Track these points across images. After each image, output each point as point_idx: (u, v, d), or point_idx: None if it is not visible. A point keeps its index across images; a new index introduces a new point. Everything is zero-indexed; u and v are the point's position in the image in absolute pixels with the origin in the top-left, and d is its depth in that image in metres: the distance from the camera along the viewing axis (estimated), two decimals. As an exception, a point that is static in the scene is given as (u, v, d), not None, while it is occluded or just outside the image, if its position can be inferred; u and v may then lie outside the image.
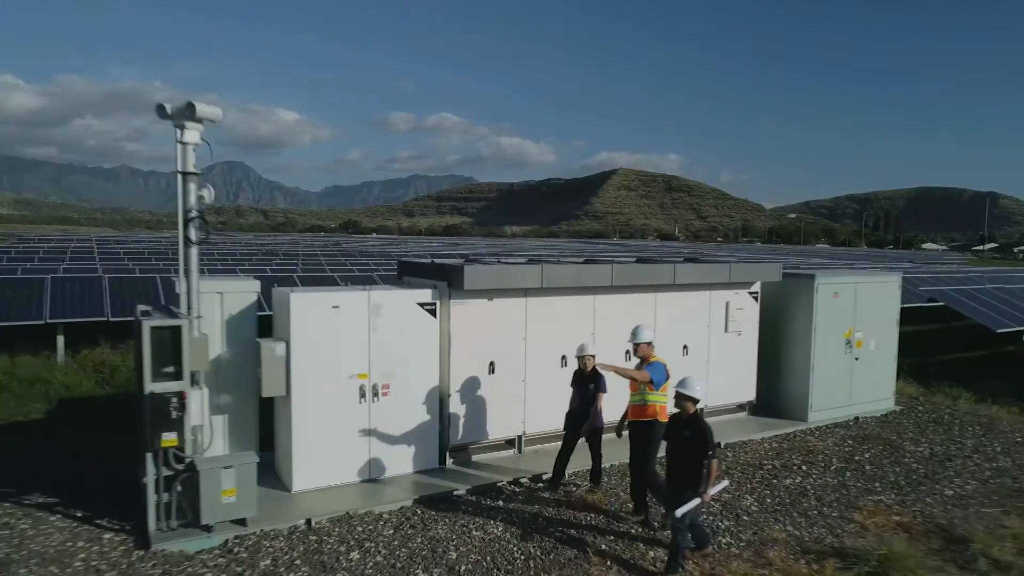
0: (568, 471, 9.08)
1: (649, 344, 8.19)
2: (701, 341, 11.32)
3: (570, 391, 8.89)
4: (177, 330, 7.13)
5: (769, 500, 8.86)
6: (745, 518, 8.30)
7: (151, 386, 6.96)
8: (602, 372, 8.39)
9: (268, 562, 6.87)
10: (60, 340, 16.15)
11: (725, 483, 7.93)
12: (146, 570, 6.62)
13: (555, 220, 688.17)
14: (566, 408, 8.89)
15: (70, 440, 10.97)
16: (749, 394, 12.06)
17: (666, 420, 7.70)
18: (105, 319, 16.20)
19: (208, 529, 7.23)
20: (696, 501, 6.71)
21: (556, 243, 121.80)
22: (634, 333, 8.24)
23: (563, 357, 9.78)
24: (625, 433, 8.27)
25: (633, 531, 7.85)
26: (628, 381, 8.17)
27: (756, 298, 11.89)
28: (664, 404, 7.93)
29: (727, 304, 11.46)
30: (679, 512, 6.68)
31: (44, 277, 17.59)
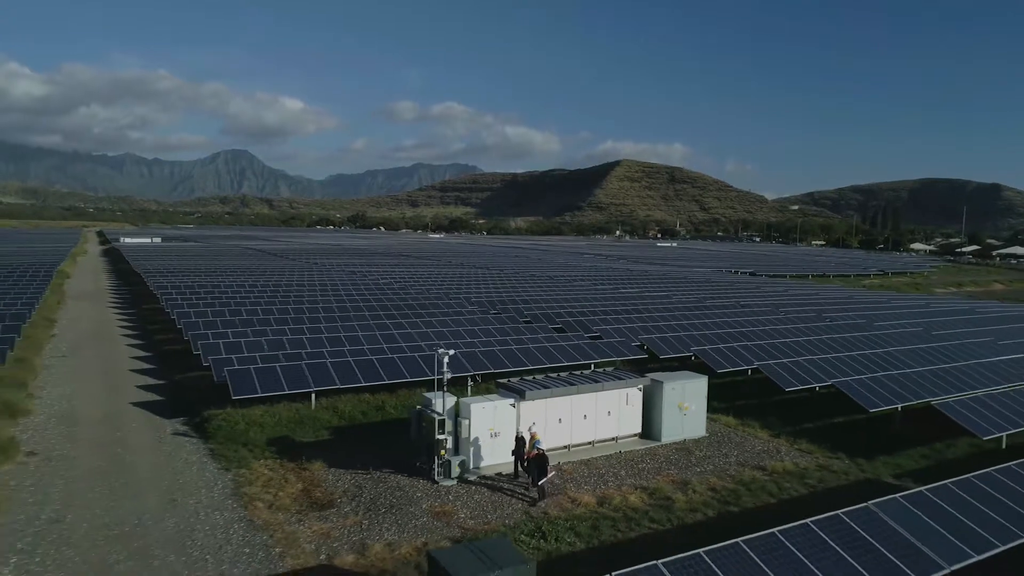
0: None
1: (534, 430, 24.20)
2: (616, 409, 27.79)
3: (554, 432, 25.40)
4: (443, 420, 23.70)
5: (632, 472, 25.46)
6: (619, 478, 24.89)
7: (437, 436, 23.51)
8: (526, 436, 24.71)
9: (475, 487, 23.48)
10: (312, 396, 32.69)
11: (553, 473, 23.82)
12: (439, 488, 23.24)
13: (559, 211, 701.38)
14: (558, 440, 25.45)
15: (349, 449, 27.46)
16: (637, 429, 28.56)
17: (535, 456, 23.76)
18: (336, 386, 32.84)
19: (453, 478, 23.81)
20: (542, 479, 23.07)
21: (558, 245, 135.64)
22: (528, 429, 24.35)
23: (560, 419, 26.23)
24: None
25: (529, 488, 24.50)
26: (529, 440, 24.32)
27: (640, 390, 28.39)
28: (540, 451, 23.67)
29: (627, 394, 27.97)
30: (540, 482, 23.14)
31: (297, 363, 34.14)
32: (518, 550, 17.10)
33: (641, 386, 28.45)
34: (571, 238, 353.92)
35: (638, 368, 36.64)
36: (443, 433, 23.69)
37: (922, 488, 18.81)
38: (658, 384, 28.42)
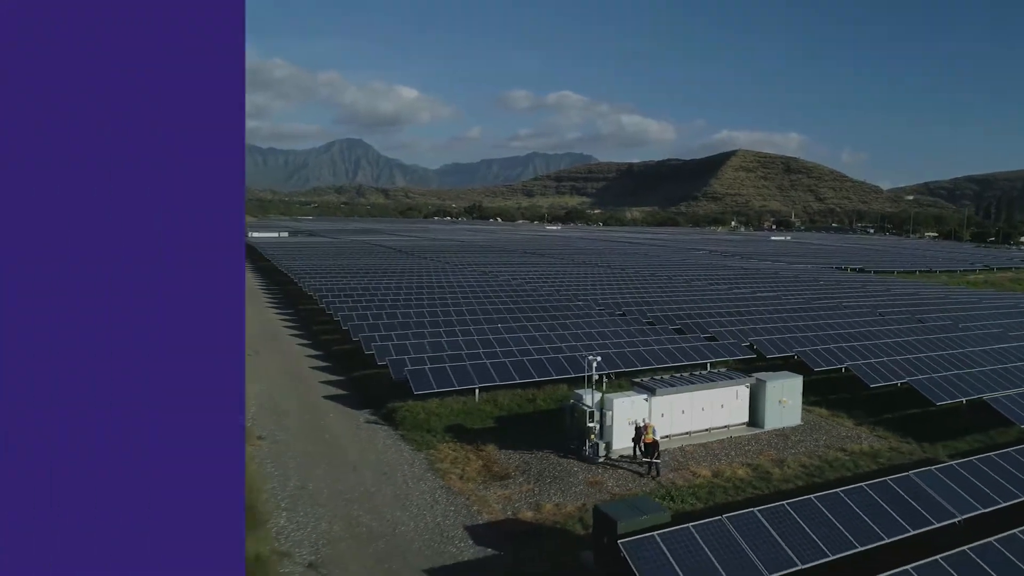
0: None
1: (650, 422, 31.02)
2: (728, 403, 34.49)
3: (679, 422, 32.37)
4: (592, 411, 30.93)
5: (740, 452, 32.20)
6: (729, 456, 31.69)
7: (588, 424, 30.79)
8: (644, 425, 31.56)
9: (616, 465, 30.68)
10: (476, 391, 40.30)
11: (659, 461, 30.38)
12: (589, 464, 30.53)
13: (674, 201, 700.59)
14: (681, 428, 32.43)
15: (512, 435, 34.85)
16: (745, 419, 35.16)
17: (651, 442, 30.58)
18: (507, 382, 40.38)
19: (600, 458, 31.02)
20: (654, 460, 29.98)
21: (674, 239, 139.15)
22: (645, 421, 31.16)
23: (683, 411, 33.15)
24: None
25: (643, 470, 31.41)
26: (644, 428, 31.04)
27: (748, 387, 35.00)
28: (655, 439, 30.50)
29: (736, 391, 34.65)
30: (653, 461, 30.09)
31: (464, 364, 41.90)
32: (658, 503, 24.24)
33: (748, 384, 35.12)
34: (686, 229, 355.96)
35: (747, 366, 43.19)
36: (592, 422, 30.96)
37: (952, 462, 25.13)
38: (762, 383, 35.02)
